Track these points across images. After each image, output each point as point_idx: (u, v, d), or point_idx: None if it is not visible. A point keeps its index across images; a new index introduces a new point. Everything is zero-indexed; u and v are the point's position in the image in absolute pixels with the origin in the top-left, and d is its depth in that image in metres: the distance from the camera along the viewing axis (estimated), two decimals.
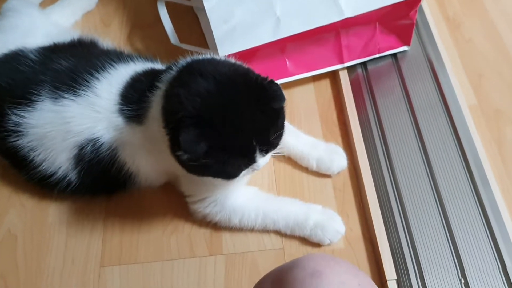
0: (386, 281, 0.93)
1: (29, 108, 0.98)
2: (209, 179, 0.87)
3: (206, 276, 0.97)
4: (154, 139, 0.90)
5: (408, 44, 1.22)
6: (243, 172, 0.86)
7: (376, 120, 1.15)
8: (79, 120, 0.96)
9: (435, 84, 1.19)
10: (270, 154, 0.87)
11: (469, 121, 1.12)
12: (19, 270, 0.99)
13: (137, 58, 1.07)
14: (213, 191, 0.96)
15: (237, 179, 0.87)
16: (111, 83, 0.98)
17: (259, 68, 1.12)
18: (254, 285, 0.76)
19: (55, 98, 0.97)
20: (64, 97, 0.97)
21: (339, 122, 1.17)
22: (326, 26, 1.09)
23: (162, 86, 0.91)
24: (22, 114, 0.98)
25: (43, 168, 0.99)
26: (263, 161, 0.86)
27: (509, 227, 0.98)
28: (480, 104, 1.17)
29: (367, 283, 0.67)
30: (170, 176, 1.03)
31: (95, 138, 0.95)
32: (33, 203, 1.08)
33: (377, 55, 1.21)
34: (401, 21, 1.17)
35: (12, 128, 0.98)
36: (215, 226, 1.01)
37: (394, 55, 1.24)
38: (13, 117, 0.98)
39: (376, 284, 0.74)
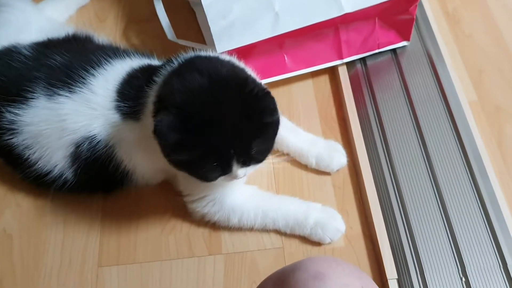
0: (386, 280, 0.92)
1: (24, 106, 0.96)
2: None
3: (205, 276, 0.96)
4: (150, 135, 0.88)
5: (407, 39, 1.21)
6: (221, 178, 0.84)
7: (376, 116, 1.14)
8: (75, 118, 0.94)
9: (435, 79, 1.17)
10: (253, 167, 0.85)
11: (469, 117, 1.11)
12: (16, 270, 0.98)
13: (133, 54, 1.05)
14: (211, 190, 0.95)
15: (219, 182, 0.85)
16: (107, 80, 0.96)
17: (257, 64, 1.12)
18: (253, 285, 0.76)
19: (50, 95, 0.95)
20: (59, 94, 0.95)
21: (338, 118, 1.16)
22: (325, 22, 1.08)
23: (159, 80, 0.90)
24: (16, 111, 0.96)
25: (39, 166, 0.98)
26: (242, 172, 0.83)
27: (510, 224, 0.97)
28: (480, 100, 1.16)
29: (370, 285, 0.67)
30: (167, 174, 1.02)
31: (91, 136, 0.93)
32: (29, 203, 1.06)
33: (377, 51, 1.20)
34: (401, 16, 1.15)
35: (6, 126, 0.97)
36: (214, 225, 1.00)
37: (394, 50, 1.22)
38: (7, 115, 0.96)
39: (377, 283, 0.74)
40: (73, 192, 1.02)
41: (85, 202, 1.05)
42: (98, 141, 0.94)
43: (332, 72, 1.22)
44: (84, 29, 1.15)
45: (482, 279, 0.92)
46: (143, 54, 1.07)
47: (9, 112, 0.96)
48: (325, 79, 1.21)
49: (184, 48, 1.17)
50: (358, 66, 1.21)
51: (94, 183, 1.01)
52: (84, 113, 0.94)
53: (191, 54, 0.92)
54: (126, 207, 1.04)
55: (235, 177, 0.84)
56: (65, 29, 1.16)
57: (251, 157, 0.82)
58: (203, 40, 1.28)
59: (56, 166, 0.97)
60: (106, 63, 0.99)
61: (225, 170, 0.82)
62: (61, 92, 0.95)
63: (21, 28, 1.14)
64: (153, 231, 1.01)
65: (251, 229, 0.99)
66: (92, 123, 0.94)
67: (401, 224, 0.98)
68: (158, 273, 0.96)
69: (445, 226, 0.97)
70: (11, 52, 1.04)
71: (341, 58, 1.18)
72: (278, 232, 0.99)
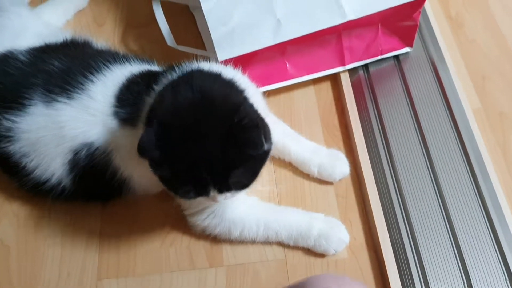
0: None
1: (21, 113, 0.94)
2: None
3: None
4: None
5: (410, 45, 1.19)
6: (201, 199, 0.83)
7: (379, 124, 1.12)
8: (73, 124, 0.92)
9: (438, 86, 1.16)
10: (235, 193, 0.83)
11: (472, 125, 1.10)
12: (13, 283, 0.96)
13: (133, 59, 1.03)
14: None
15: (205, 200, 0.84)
16: (106, 85, 0.94)
17: (259, 71, 1.10)
18: None
19: (48, 102, 0.93)
20: (57, 101, 0.93)
21: (340, 126, 1.14)
22: (328, 28, 1.06)
23: (158, 88, 0.88)
24: (14, 118, 0.94)
25: (36, 174, 0.96)
26: (221, 197, 0.82)
27: None
28: (484, 107, 1.15)
29: None
30: None
31: (90, 143, 0.92)
32: (26, 212, 1.04)
33: (379, 57, 1.18)
34: (404, 22, 1.13)
35: (3, 133, 0.94)
36: (215, 237, 0.98)
37: (396, 56, 1.21)
38: (4, 122, 0.94)
39: None
40: (71, 200, 0.99)
41: (83, 213, 1.03)
42: (96, 148, 0.92)
43: (334, 78, 1.20)
44: (82, 34, 1.13)
45: None
46: (142, 59, 1.05)
47: (6, 119, 0.94)
48: (327, 86, 1.20)
49: (185, 55, 1.16)
50: (361, 72, 1.19)
51: (92, 191, 0.99)
52: (82, 119, 0.92)
53: (193, 65, 0.91)
54: (125, 219, 1.02)
55: (214, 200, 0.83)
56: (63, 34, 1.14)
57: (228, 186, 0.80)
58: (203, 44, 1.26)
59: (54, 174, 0.95)
60: (105, 69, 0.97)
61: (201, 193, 0.80)
62: (59, 99, 0.93)
63: (17, 33, 1.11)
64: (153, 243, 0.99)
65: (253, 242, 0.97)
66: (91, 129, 0.92)
67: (405, 234, 0.96)
68: (158, 286, 0.95)
69: (449, 236, 0.96)
70: (7, 58, 1.01)
71: (344, 64, 1.16)
72: (280, 243, 0.97)
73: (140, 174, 0.95)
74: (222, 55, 1.04)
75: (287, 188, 1.05)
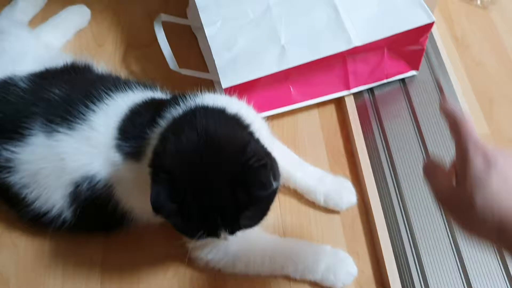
0: None
1: (21, 143, 0.92)
2: None
3: None
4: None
5: (417, 69, 1.17)
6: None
7: (385, 149, 1.10)
8: (74, 156, 0.90)
9: None
10: (243, 231, 0.82)
11: None
12: None
13: (135, 86, 1.01)
14: None
15: None
16: (108, 116, 0.93)
17: (262, 96, 1.08)
18: None
19: (49, 132, 0.91)
20: (58, 131, 0.91)
21: (346, 151, 1.12)
22: (333, 54, 1.04)
23: (163, 123, 0.87)
24: (13, 149, 0.92)
25: (36, 206, 0.94)
26: (231, 236, 0.81)
27: None
28: (492, 133, 1.13)
29: None
30: None
31: (91, 176, 0.90)
32: (26, 243, 1.01)
33: (385, 81, 1.16)
34: (411, 47, 1.12)
35: (3, 164, 0.92)
36: (219, 270, 0.95)
37: (402, 79, 1.19)
38: (3, 153, 0.92)
39: None
40: (73, 232, 0.97)
41: (85, 242, 1.01)
42: (98, 181, 0.90)
43: (339, 101, 1.18)
44: (83, 57, 1.11)
45: None
46: (145, 85, 1.03)
47: (6, 149, 0.92)
48: (331, 109, 1.18)
49: (188, 78, 1.15)
50: (366, 95, 1.18)
51: (94, 223, 0.97)
52: (84, 151, 0.90)
53: (197, 99, 0.89)
54: (128, 248, 1.00)
55: (224, 240, 0.82)
56: (63, 57, 1.12)
57: (239, 227, 0.80)
58: (205, 66, 1.24)
59: (54, 206, 0.93)
60: (106, 97, 0.95)
61: (211, 236, 0.80)
62: (60, 129, 0.91)
63: (17, 58, 1.09)
64: (156, 274, 0.97)
65: (258, 275, 0.95)
66: (92, 161, 0.90)
67: (414, 269, 0.94)
68: None
69: (459, 271, 0.94)
70: (7, 84, 0.99)
71: (348, 88, 1.14)
72: (286, 276, 0.95)
73: (143, 207, 0.92)
74: (226, 82, 1.02)
75: (292, 218, 1.03)
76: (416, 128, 1.13)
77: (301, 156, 1.06)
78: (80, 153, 0.90)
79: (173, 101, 0.91)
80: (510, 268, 0.94)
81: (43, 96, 0.96)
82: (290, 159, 1.05)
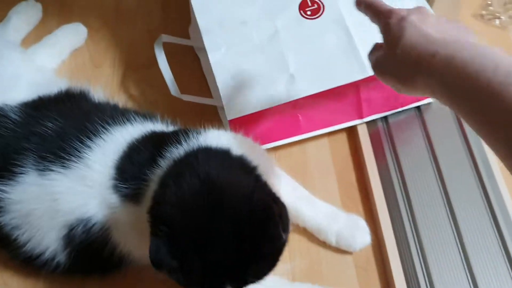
0: None
1: (12, 182, 0.86)
2: None
3: None
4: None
5: None
6: None
7: (400, 182, 1.03)
8: (68, 197, 0.84)
9: (463, 140, 1.08)
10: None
11: (501, 185, 1.01)
12: None
13: (133, 117, 0.95)
14: None
15: None
16: (105, 153, 0.87)
17: (268, 126, 1.01)
18: None
19: (41, 170, 0.85)
20: (51, 170, 0.85)
21: (358, 184, 1.05)
22: None
23: (163, 163, 0.81)
24: (3, 188, 0.86)
25: (29, 248, 0.88)
26: None
27: None
28: None
29: None
30: None
31: (86, 218, 0.84)
32: (18, 284, 0.95)
33: (400, 109, 1.10)
34: None
35: None
36: None
37: (418, 107, 1.12)
38: None
39: None
40: (67, 275, 0.92)
41: (80, 284, 0.94)
42: (94, 224, 0.84)
43: (350, 130, 1.11)
44: (78, 83, 1.04)
45: None
46: (144, 115, 0.97)
47: None
48: (342, 138, 1.11)
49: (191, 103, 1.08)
50: (379, 123, 1.11)
51: (90, 266, 0.92)
52: (78, 191, 0.84)
53: (200, 139, 0.84)
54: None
55: None
56: (58, 82, 1.06)
57: (245, 282, 0.74)
58: (208, 89, 1.18)
59: (47, 248, 0.87)
60: (103, 132, 0.89)
61: None
62: (53, 167, 0.85)
63: (9, 84, 1.03)
64: None
65: None
66: (88, 203, 0.84)
67: None
68: None
69: None
70: None
71: (361, 117, 1.08)
72: None
73: (142, 251, 0.86)
74: (231, 114, 0.96)
75: (302, 257, 0.97)
76: (432, 158, 1.06)
77: (310, 189, 1.00)
78: (75, 193, 0.84)
79: (174, 138, 0.85)
80: None
81: (35, 130, 0.90)
82: (298, 194, 0.99)
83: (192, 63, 1.22)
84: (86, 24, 1.28)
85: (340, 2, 1.02)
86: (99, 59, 1.26)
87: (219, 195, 0.73)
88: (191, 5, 1.06)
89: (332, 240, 0.96)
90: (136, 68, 1.23)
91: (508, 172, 0.99)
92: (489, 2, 1.28)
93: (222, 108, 1.00)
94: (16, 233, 0.88)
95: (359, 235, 0.96)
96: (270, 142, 1.05)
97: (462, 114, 0.61)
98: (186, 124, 0.97)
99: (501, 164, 1.01)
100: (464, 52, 0.58)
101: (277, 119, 1.02)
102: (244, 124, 0.97)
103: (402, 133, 1.09)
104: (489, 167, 1.03)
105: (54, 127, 0.90)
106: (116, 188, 0.83)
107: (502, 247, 0.94)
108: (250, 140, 0.89)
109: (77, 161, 0.85)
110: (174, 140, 0.84)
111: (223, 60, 0.99)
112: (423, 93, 0.66)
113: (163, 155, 0.83)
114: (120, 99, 1.14)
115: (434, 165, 1.05)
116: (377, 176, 1.03)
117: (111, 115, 0.93)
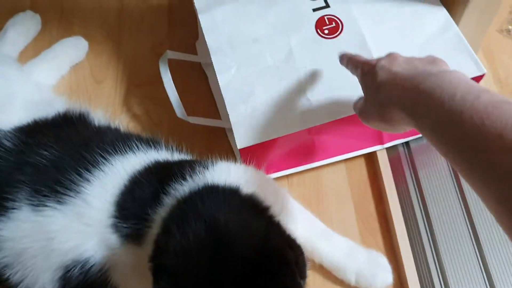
0: None
1: (3, 218, 0.79)
2: None
3: None
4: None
5: None
6: None
7: (423, 212, 0.96)
8: (64, 236, 0.77)
9: None
10: None
11: None
12: None
13: (136, 145, 0.87)
14: None
15: None
16: (104, 187, 0.79)
17: (281, 153, 0.94)
18: None
19: (35, 206, 0.78)
20: (46, 205, 0.78)
21: (378, 214, 0.98)
22: None
23: (167, 201, 0.75)
24: None
25: None
26: None
27: None
28: None
29: None
30: None
31: (84, 259, 0.77)
32: None
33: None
34: None
35: None
36: None
37: None
38: None
39: None
40: None
41: None
42: (92, 265, 0.77)
43: (369, 155, 1.03)
44: (77, 103, 0.97)
45: None
46: (147, 141, 0.90)
47: None
48: (360, 164, 1.03)
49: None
50: (400, 148, 1.03)
51: None
52: (75, 230, 0.77)
53: (207, 177, 0.76)
54: None
55: None
56: (55, 101, 0.99)
57: None
58: (216, 109, 1.10)
59: None
60: (103, 163, 0.82)
61: None
62: (48, 203, 0.78)
63: (4, 104, 0.95)
64: None
65: None
66: (85, 242, 0.77)
67: None
68: None
69: None
70: None
71: (382, 143, 1.00)
72: None
73: None
74: (241, 142, 0.88)
75: None
76: (456, 184, 0.99)
77: (326, 220, 0.92)
78: (72, 232, 0.77)
79: (180, 171, 0.78)
80: None
81: (29, 160, 0.83)
82: (314, 227, 0.92)
83: (199, 80, 1.15)
84: (87, 37, 1.20)
85: (360, 21, 0.94)
86: (101, 74, 1.18)
87: (227, 242, 0.66)
88: (199, 22, 0.99)
89: (352, 279, 0.89)
90: (140, 84, 1.16)
91: None
92: None
93: (231, 130, 0.92)
94: (8, 272, 0.80)
95: (380, 273, 0.88)
96: (283, 170, 0.97)
97: (433, 143, 0.61)
98: (193, 147, 0.91)
99: None
100: (427, 83, 0.61)
101: (290, 146, 0.95)
102: (255, 151, 0.90)
103: (424, 158, 1.02)
104: None
105: (50, 156, 0.83)
106: (116, 227, 0.76)
107: None
108: (262, 174, 0.82)
109: (74, 196, 0.78)
110: (179, 175, 0.77)
111: (234, 82, 0.91)
112: (404, 127, 0.70)
113: (167, 191, 0.76)
114: (122, 119, 1.08)
115: (457, 189, 0.99)
116: (398, 206, 0.96)
117: (111, 142, 0.86)
